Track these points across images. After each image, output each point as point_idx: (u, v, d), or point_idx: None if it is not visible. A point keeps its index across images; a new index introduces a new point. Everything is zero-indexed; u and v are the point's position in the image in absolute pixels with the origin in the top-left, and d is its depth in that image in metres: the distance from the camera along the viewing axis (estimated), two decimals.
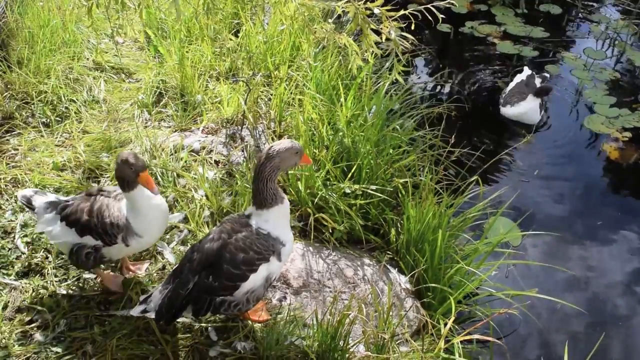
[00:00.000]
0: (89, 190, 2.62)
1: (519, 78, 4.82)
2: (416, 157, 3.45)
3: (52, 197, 2.67)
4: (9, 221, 2.99)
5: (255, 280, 2.33)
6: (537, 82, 4.77)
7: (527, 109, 4.62)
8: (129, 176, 2.38)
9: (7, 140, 3.46)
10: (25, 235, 2.93)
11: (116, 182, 2.48)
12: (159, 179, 3.27)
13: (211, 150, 3.51)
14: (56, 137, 3.53)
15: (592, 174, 4.37)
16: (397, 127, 3.58)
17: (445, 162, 3.49)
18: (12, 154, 3.38)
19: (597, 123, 4.72)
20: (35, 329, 2.59)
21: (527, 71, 4.84)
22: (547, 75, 5.02)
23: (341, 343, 2.51)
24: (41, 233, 2.92)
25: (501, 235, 3.28)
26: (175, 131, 3.68)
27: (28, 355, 2.49)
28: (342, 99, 3.54)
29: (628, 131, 4.64)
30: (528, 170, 4.29)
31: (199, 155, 3.46)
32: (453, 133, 3.58)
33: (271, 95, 3.98)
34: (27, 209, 2.76)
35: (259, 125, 3.74)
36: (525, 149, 4.45)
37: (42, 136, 3.52)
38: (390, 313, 2.61)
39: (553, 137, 4.65)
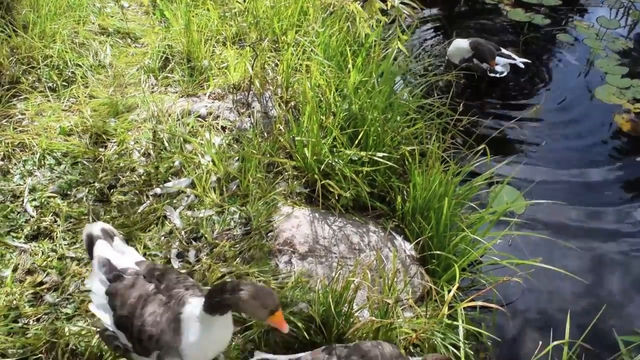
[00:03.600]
0: (150, 268, 2.14)
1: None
2: (424, 124, 3.43)
3: (117, 252, 2.23)
4: (17, 185, 3.01)
5: None
6: (502, 61, 4.59)
7: (452, 47, 4.65)
8: (257, 316, 1.93)
9: (14, 104, 3.46)
10: (34, 199, 2.95)
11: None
12: (166, 144, 3.27)
13: (218, 116, 3.50)
14: (63, 102, 3.52)
15: (601, 145, 4.32)
16: (405, 94, 3.55)
17: (453, 130, 3.46)
18: (19, 118, 3.38)
19: (608, 94, 4.65)
20: (45, 290, 2.64)
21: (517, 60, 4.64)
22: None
23: (346, 308, 2.54)
24: (51, 198, 2.96)
25: (506, 204, 3.28)
26: (182, 96, 3.66)
27: (39, 315, 2.54)
28: (349, 65, 3.50)
29: None
30: (536, 140, 4.25)
31: (206, 121, 3.45)
32: (461, 101, 3.55)
33: (278, 61, 3.95)
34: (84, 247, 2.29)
35: (266, 91, 3.71)
36: (533, 118, 4.41)
37: (48, 101, 3.51)
38: (395, 279, 2.64)
39: (562, 107, 4.59)
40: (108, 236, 2.25)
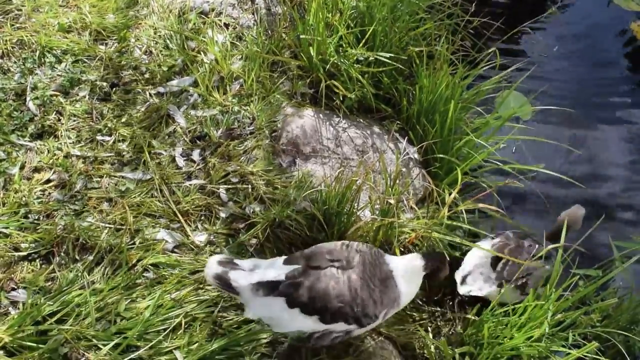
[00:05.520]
0: (307, 256, 2.12)
1: None
2: (433, 25, 3.32)
3: (256, 270, 2.12)
4: (18, 84, 2.98)
5: None
6: None
7: None
8: (439, 279, 2.39)
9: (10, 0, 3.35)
10: (36, 98, 2.93)
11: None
12: (168, 42, 3.20)
13: (220, 13, 3.38)
14: None
15: (614, 53, 4.21)
16: None
17: (463, 32, 3.35)
18: (15, 14, 3.28)
19: None
20: (52, 188, 2.68)
21: None
22: None
23: (348, 207, 2.59)
24: (54, 96, 2.93)
25: (513, 109, 3.25)
26: None
27: (48, 212, 2.60)
28: None
29: None
30: (547, 46, 4.14)
31: (208, 18, 3.34)
32: (474, 1, 3.41)
33: None
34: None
35: None
36: (546, 23, 4.26)
37: None
38: (397, 181, 2.66)
39: (578, 12, 4.42)
40: (231, 263, 2.12)
